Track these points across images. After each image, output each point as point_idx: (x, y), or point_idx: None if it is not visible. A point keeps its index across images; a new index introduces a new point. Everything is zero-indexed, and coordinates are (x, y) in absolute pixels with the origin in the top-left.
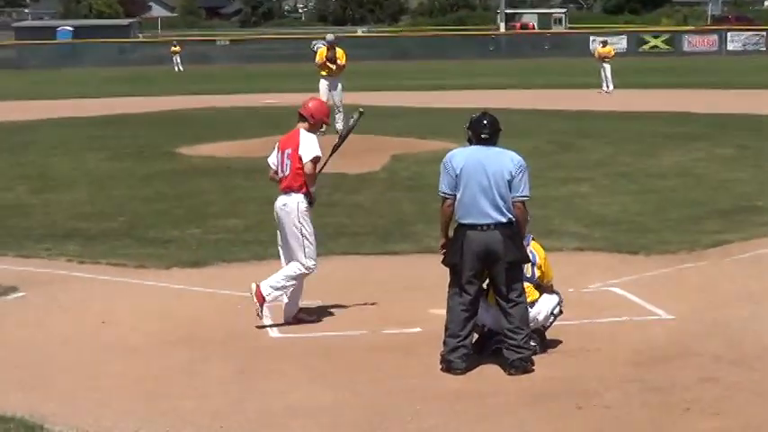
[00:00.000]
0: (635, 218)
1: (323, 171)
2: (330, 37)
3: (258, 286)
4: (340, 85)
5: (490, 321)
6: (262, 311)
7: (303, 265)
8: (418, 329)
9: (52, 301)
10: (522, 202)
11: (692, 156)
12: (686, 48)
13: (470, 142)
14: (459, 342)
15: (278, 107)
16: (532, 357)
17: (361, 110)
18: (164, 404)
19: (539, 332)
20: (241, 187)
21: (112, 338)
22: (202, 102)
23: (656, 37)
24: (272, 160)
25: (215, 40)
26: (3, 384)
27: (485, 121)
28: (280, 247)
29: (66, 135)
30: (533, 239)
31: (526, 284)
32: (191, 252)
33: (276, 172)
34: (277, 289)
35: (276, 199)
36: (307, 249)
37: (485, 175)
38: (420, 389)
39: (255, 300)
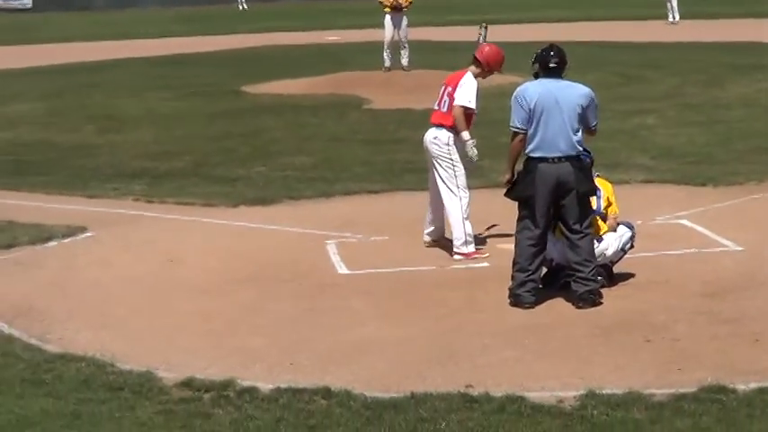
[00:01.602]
0: (702, 149)
1: (393, 109)
2: None
3: (457, 253)
4: (405, 21)
5: (557, 255)
6: (476, 255)
7: (458, 198)
8: (486, 264)
9: (120, 241)
10: (594, 130)
11: (759, 86)
12: None
13: (536, 77)
14: (527, 276)
15: (342, 44)
16: (600, 290)
17: (484, 24)
18: (232, 342)
19: (606, 267)
20: (307, 125)
21: (180, 277)
22: (267, 40)
23: None
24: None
25: None
26: (74, 323)
27: (552, 52)
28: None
29: (130, 76)
30: (599, 176)
31: (594, 217)
32: (257, 190)
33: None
34: (464, 240)
35: (426, 132)
36: (459, 179)
37: (558, 108)
38: (489, 323)
39: (469, 258)
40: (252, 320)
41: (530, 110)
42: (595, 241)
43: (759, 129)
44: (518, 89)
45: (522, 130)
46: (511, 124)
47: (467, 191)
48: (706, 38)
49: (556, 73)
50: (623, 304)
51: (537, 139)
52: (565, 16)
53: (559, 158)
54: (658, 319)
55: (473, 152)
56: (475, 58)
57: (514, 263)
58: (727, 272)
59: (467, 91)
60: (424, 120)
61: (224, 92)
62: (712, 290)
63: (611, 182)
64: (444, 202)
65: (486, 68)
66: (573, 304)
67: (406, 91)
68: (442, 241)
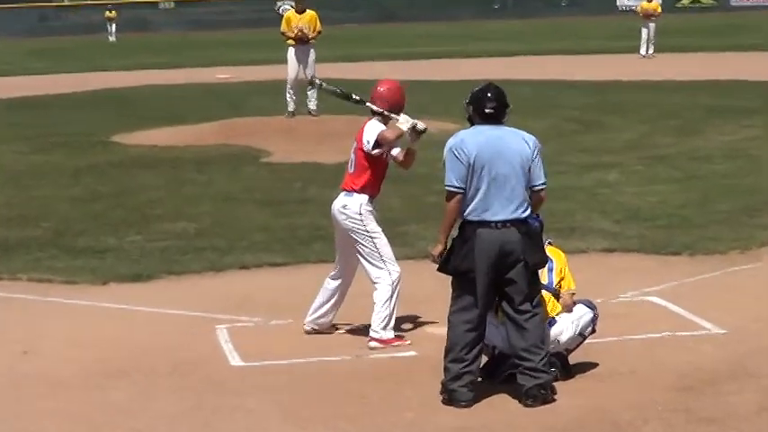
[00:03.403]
0: (676, 211)
1: (297, 163)
2: None
3: (373, 339)
4: (312, 56)
5: (500, 341)
6: (397, 343)
7: (387, 271)
8: (413, 353)
9: None
10: (542, 190)
11: (745, 134)
12: (734, 2)
13: (470, 121)
14: (464, 368)
15: (235, 83)
16: (553, 384)
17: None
18: None
19: (560, 356)
20: (193, 182)
21: (37, 371)
22: (143, 78)
23: None
24: None
25: (157, 3)
26: None
27: (489, 94)
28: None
29: None
30: (550, 243)
31: (545, 293)
32: (132, 263)
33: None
34: (385, 323)
35: (333, 200)
36: (382, 250)
37: (502, 162)
38: (417, 426)
39: (386, 347)
40: (125, 423)
41: (469, 165)
42: (547, 324)
43: (746, 185)
44: (453, 140)
45: (461, 189)
46: (446, 183)
47: (395, 263)
48: (679, 76)
49: (494, 119)
50: (581, 400)
51: (477, 200)
52: (508, 50)
53: (503, 223)
54: (624, 418)
55: (412, 123)
56: (374, 111)
57: (448, 352)
58: (706, 360)
59: (372, 130)
60: (335, 176)
61: (91, 143)
62: (689, 382)
63: (564, 251)
64: (371, 278)
65: (395, 110)
66: (519, 401)
67: (314, 141)
68: (328, 331)
